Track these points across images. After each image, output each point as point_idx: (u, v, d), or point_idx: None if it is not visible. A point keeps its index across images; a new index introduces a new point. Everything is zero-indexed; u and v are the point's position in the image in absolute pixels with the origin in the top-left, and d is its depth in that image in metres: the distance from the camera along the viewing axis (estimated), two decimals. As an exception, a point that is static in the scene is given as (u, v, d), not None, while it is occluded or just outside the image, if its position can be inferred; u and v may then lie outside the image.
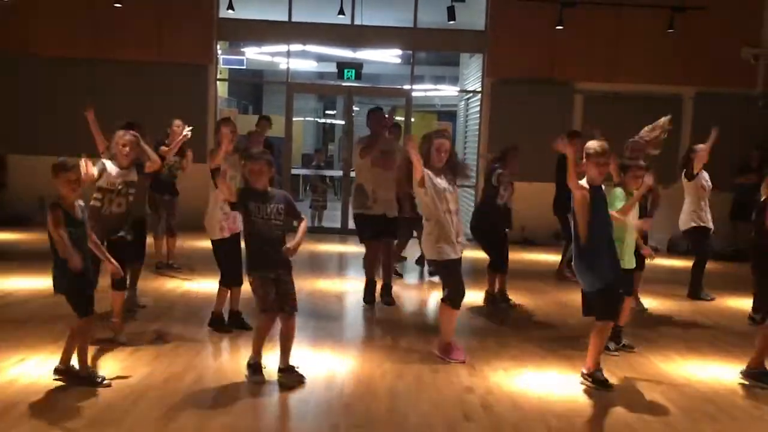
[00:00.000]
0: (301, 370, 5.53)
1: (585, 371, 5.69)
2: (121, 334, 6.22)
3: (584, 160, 5.58)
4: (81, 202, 5.29)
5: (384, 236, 8.01)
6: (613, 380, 5.75)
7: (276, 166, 6.09)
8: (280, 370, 5.47)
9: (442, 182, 6.04)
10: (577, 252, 5.64)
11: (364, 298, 8.07)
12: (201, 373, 5.55)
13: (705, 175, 8.91)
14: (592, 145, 5.57)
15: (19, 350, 5.85)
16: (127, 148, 6.24)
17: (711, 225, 8.78)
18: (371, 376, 5.74)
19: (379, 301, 8.00)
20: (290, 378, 5.42)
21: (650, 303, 8.55)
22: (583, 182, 5.55)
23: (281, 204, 5.45)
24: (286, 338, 5.49)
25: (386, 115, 7.96)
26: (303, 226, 5.62)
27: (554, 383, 5.72)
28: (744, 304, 8.44)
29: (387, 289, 8.14)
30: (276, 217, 5.42)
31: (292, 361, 5.56)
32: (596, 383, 5.59)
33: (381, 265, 8.14)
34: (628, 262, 6.29)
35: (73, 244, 5.01)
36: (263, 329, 5.50)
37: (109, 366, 5.63)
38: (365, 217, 7.94)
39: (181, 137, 7.31)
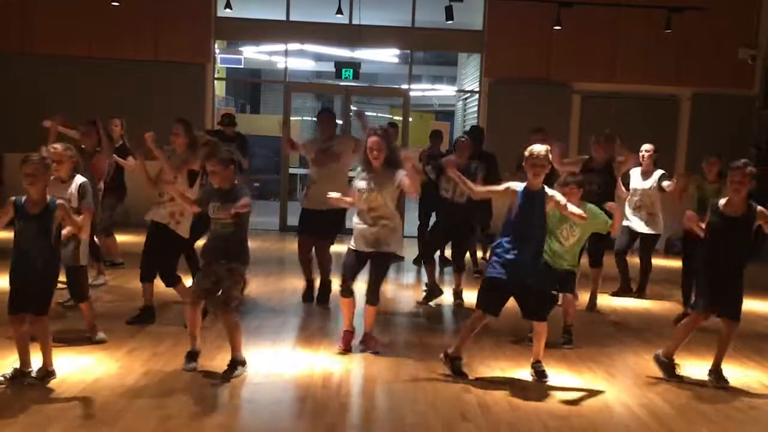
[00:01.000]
0: (276, 385, 5.45)
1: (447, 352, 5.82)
2: (97, 333, 6.21)
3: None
4: (59, 200, 5.24)
5: (315, 233, 7.85)
6: (609, 379, 5.78)
7: (240, 162, 6.28)
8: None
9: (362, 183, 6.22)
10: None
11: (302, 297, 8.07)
12: (197, 373, 5.54)
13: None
14: (532, 147, 5.66)
15: (15, 349, 5.82)
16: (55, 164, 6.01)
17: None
18: (368, 376, 5.74)
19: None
20: (225, 373, 5.49)
21: (647, 303, 8.56)
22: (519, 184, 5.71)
23: (230, 202, 5.45)
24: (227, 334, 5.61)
25: (336, 118, 8.17)
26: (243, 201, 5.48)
27: (551, 383, 5.73)
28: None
29: (322, 288, 7.98)
30: (225, 216, 5.48)
31: (284, 359, 5.57)
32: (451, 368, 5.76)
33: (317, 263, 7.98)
34: (563, 265, 6.57)
35: (16, 239, 5.08)
36: (186, 317, 5.70)
37: (105, 365, 5.63)
38: (302, 210, 8.03)
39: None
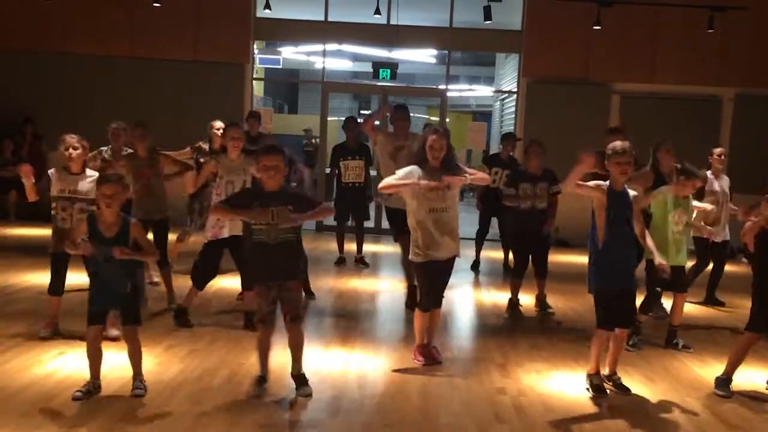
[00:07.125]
0: (312, 383, 5.29)
1: (588, 371, 5.63)
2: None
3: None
4: None
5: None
6: (647, 383, 5.71)
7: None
8: (292, 375, 5.27)
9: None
10: (590, 253, 5.51)
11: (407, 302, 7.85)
12: (234, 370, 5.59)
13: None
14: (614, 144, 5.42)
15: (57, 344, 5.95)
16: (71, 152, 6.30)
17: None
18: (403, 376, 5.73)
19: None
20: (298, 387, 5.20)
21: (690, 307, 8.43)
22: (605, 183, 5.38)
23: (286, 205, 4.92)
24: (294, 347, 5.22)
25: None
26: (320, 208, 5.14)
27: (587, 386, 5.67)
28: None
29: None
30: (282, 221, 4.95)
31: (319, 364, 5.56)
32: (591, 387, 5.52)
33: None
34: (675, 258, 6.45)
35: None
36: (259, 340, 5.29)
37: (144, 361, 5.67)
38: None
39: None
